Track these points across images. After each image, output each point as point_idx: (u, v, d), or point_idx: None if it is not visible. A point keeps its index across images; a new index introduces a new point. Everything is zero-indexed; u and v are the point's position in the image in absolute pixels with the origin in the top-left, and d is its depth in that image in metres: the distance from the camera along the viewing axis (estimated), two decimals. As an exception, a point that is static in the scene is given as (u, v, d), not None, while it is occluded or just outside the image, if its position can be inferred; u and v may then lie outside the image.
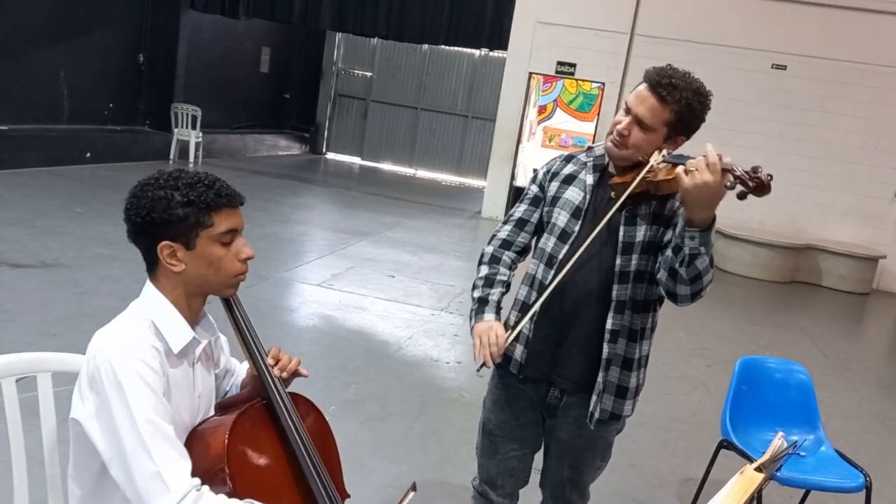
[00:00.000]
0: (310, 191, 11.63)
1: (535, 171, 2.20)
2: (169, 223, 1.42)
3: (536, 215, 2.13)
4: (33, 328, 4.25)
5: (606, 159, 2.05)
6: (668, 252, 1.85)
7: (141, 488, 1.30)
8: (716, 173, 1.67)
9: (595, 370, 2.01)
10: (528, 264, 2.15)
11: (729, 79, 9.63)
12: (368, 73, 16.25)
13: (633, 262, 1.96)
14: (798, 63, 9.58)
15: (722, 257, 9.49)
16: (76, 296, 4.88)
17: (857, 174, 9.65)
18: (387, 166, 16.09)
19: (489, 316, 2.02)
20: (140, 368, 1.36)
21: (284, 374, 1.60)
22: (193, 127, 11.49)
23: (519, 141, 10.74)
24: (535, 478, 2.30)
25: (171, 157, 11.58)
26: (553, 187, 2.09)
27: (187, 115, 11.46)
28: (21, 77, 9.52)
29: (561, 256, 2.00)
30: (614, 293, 1.97)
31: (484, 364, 1.93)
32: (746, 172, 1.68)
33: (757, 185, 1.67)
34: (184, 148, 11.60)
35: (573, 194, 2.04)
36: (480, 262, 2.15)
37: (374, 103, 16.25)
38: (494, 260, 2.13)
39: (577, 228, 2.00)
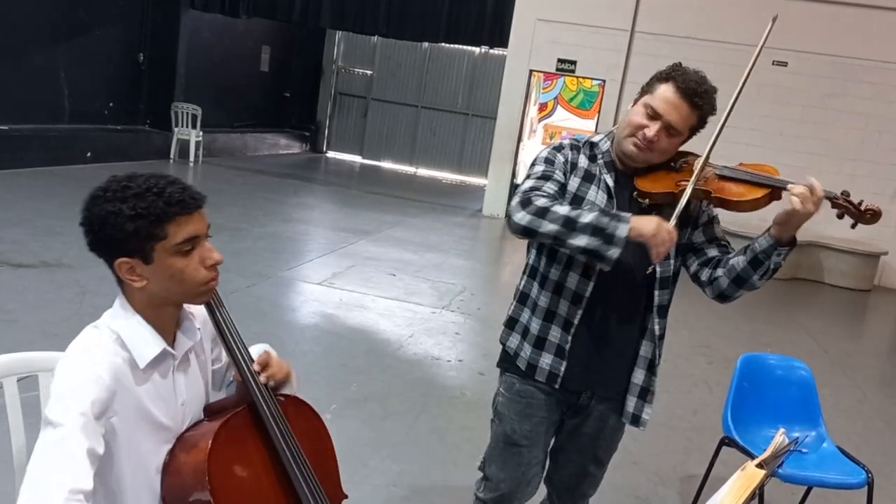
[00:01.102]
0: (310, 190, 11.63)
1: (547, 152, 2.01)
2: (121, 240, 1.35)
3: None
4: (35, 328, 4.25)
5: (613, 155, 2.02)
6: (737, 262, 1.91)
7: (21, 490, 1.24)
8: (819, 201, 1.78)
9: (630, 373, 2.04)
10: (551, 270, 2.00)
11: (729, 76, 9.50)
12: (369, 72, 16.24)
13: (671, 266, 2.00)
14: (799, 59, 9.56)
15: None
16: (77, 296, 4.89)
17: (858, 171, 9.63)
18: (387, 165, 16.08)
19: (627, 214, 1.83)
20: (79, 379, 1.31)
21: (272, 383, 1.54)
22: (194, 126, 11.49)
23: (520, 139, 10.73)
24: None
25: (172, 156, 11.58)
26: (574, 183, 1.98)
27: (188, 114, 11.46)
28: (21, 77, 9.52)
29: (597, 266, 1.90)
30: (657, 298, 1.99)
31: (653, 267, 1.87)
32: (853, 203, 1.85)
33: (862, 214, 1.87)
34: (184, 147, 11.60)
35: (598, 197, 1.96)
36: (545, 210, 1.82)
37: (374, 102, 16.24)
38: (557, 199, 1.88)
39: None
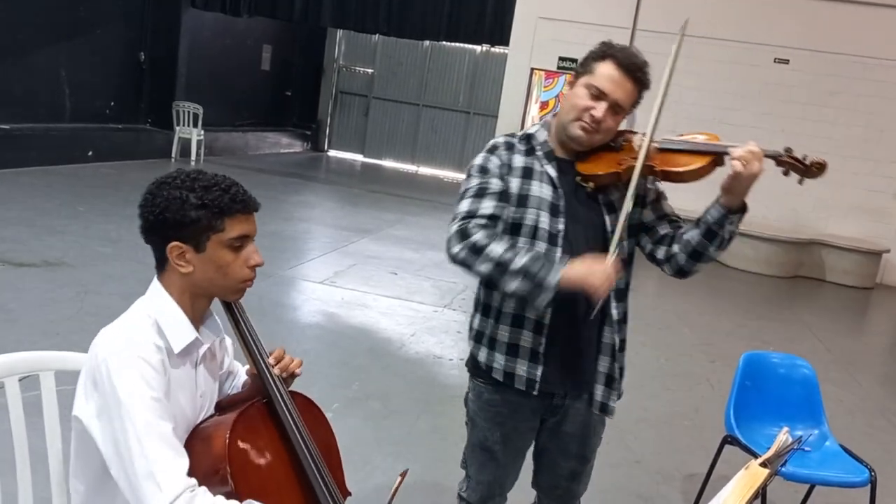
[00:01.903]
0: (312, 188, 11.63)
1: (481, 158, 1.98)
2: (181, 224, 1.42)
3: (506, 213, 1.91)
4: (36, 327, 4.25)
5: (551, 145, 1.98)
6: (691, 237, 1.91)
7: (135, 488, 1.29)
8: (761, 161, 1.78)
9: (596, 362, 2.00)
10: None
11: (731, 73, 9.62)
12: (370, 70, 16.23)
13: (626, 247, 1.98)
14: (801, 57, 9.55)
15: (724, 253, 9.46)
16: (79, 295, 4.89)
17: (861, 169, 9.62)
18: (389, 163, 16.08)
19: (564, 259, 1.82)
20: (140, 367, 1.35)
21: (285, 374, 1.59)
22: (195, 125, 11.48)
23: (521, 137, 10.72)
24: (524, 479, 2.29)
25: (173, 155, 11.58)
26: (515, 184, 1.92)
27: (189, 113, 11.46)
28: (23, 76, 9.52)
29: (557, 261, 1.86)
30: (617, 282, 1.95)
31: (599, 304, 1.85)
32: (795, 158, 1.86)
33: (808, 168, 1.86)
34: (185, 146, 11.59)
35: (543, 191, 1.92)
36: (481, 250, 1.81)
37: (375, 100, 16.24)
38: (498, 236, 1.84)
39: (561, 227, 1.91)
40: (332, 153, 16.61)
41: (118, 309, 1.50)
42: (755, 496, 1.19)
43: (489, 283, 1.92)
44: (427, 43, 15.18)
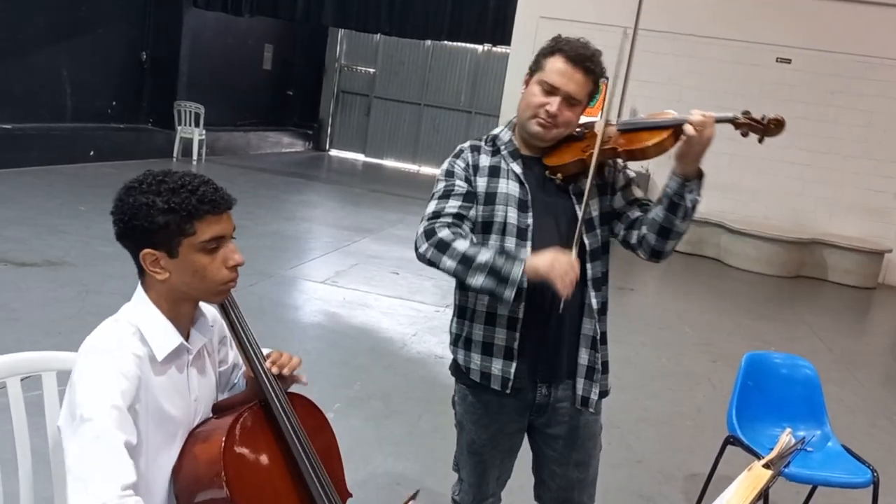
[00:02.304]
0: (313, 188, 11.63)
1: (447, 163, 2.02)
2: (150, 231, 1.38)
3: (474, 213, 1.94)
4: (38, 327, 4.26)
5: (516, 143, 2.01)
6: (656, 214, 1.89)
7: (69, 488, 1.26)
8: (712, 126, 1.80)
9: (576, 354, 1.98)
10: None
11: (732, 73, 9.60)
12: (371, 70, 16.23)
13: (599, 237, 1.98)
14: (803, 57, 9.54)
15: (726, 252, 9.47)
16: (80, 294, 4.89)
17: (862, 168, 9.61)
18: (390, 163, 16.08)
19: (525, 253, 1.86)
20: (108, 375, 1.32)
21: (285, 371, 1.57)
22: (197, 125, 11.49)
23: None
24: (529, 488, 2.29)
25: (175, 155, 11.58)
26: (481, 183, 1.96)
27: (190, 112, 11.46)
28: (24, 76, 9.53)
29: (528, 254, 1.89)
30: (589, 272, 1.95)
31: (566, 298, 1.76)
32: (754, 119, 1.88)
33: (768, 125, 1.88)
34: (187, 146, 11.60)
35: (510, 188, 1.94)
36: (447, 245, 1.83)
37: (377, 100, 16.24)
38: (458, 234, 1.87)
39: (529, 222, 1.93)
40: (334, 153, 16.61)
41: (119, 308, 1.50)
42: (758, 497, 1.19)
43: (459, 283, 1.93)
44: (428, 42, 15.18)
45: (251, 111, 14.76)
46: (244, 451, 1.45)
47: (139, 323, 1.43)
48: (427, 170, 15.68)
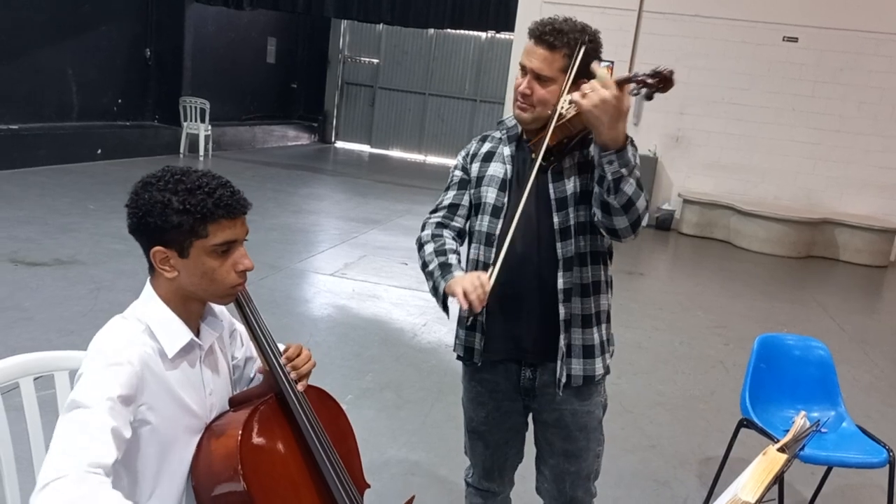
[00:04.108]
0: (320, 180, 11.63)
1: (455, 161, 2.17)
2: (163, 229, 1.38)
3: (466, 198, 2.07)
4: (51, 325, 4.28)
5: (519, 128, 2.03)
6: (595, 187, 1.82)
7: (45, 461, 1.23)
8: (610, 87, 1.65)
9: (557, 336, 1.96)
10: (470, 251, 2.07)
11: (739, 53, 9.52)
12: (375, 60, 16.19)
13: (571, 216, 1.93)
14: (809, 34, 9.44)
15: (736, 234, 9.42)
16: (92, 292, 4.91)
17: (872, 146, 9.53)
18: (396, 153, 16.07)
19: (459, 272, 1.92)
20: (111, 370, 1.32)
21: (299, 380, 1.56)
22: (202, 120, 11.50)
23: (528, 123, 10.68)
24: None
25: (182, 150, 11.61)
26: (475, 168, 2.07)
27: (196, 108, 11.47)
28: (29, 76, 9.56)
29: (498, 231, 1.96)
30: (559, 251, 1.93)
31: (471, 311, 1.77)
32: (646, 74, 1.68)
33: (660, 80, 1.67)
34: (193, 141, 11.62)
35: (496, 169, 2.02)
36: (421, 246, 2.04)
37: (381, 90, 16.21)
38: (436, 236, 2.03)
39: (505, 200, 1.98)
40: (340, 144, 16.61)
41: (131, 304, 1.50)
42: (774, 482, 1.18)
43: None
44: (431, 31, 15.12)
45: (256, 105, 14.76)
46: (261, 444, 1.46)
47: (148, 320, 1.43)
48: (433, 159, 15.66)
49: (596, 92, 1.66)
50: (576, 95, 1.71)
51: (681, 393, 4.41)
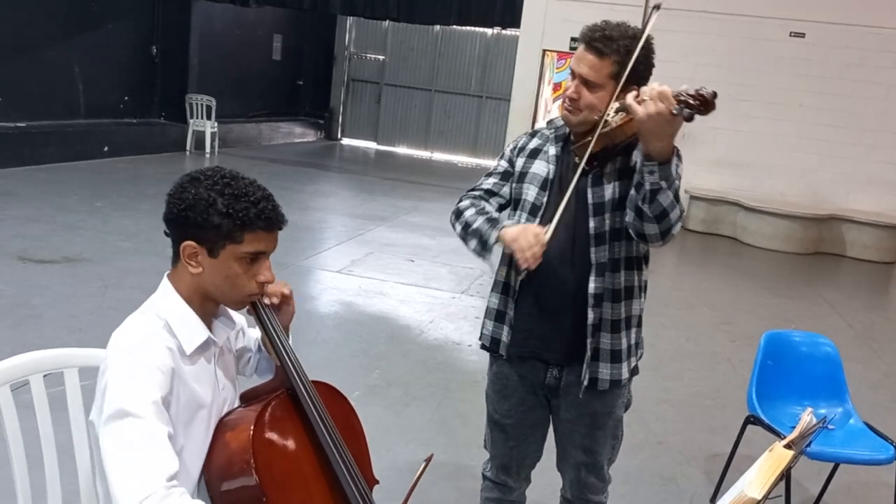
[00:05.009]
0: (326, 177, 11.64)
1: (504, 150, 2.19)
2: (201, 226, 1.41)
3: (506, 189, 2.09)
4: (60, 323, 4.30)
5: (567, 129, 2.03)
6: (632, 191, 1.83)
7: (112, 483, 1.27)
8: (667, 101, 1.65)
9: (585, 342, 1.97)
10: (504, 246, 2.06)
11: (746, 49, 9.48)
12: (381, 57, 16.18)
13: (608, 221, 1.94)
14: (817, 30, 9.40)
15: (743, 230, 9.40)
16: (100, 289, 4.94)
17: (880, 142, 9.48)
18: (402, 150, 16.06)
19: (509, 222, 1.95)
20: (145, 371, 1.34)
21: (275, 300, 1.59)
22: (209, 117, 11.52)
23: (535, 119, 10.65)
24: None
25: (188, 148, 11.63)
26: (520, 163, 2.07)
27: (202, 105, 11.49)
28: (37, 74, 9.59)
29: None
30: (593, 256, 1.93)
31: (527, 269, 1.83)
32: (689, 94, 1.67)
33: (701, 103, 1.66)
34: (200, 139, 11.64)
35: (539, 168, 2.03)
36: (459, 214, 2.05)
37: (387, 87, 16.20)
38: (475, 203, 2.05)
39: (545, 200, 1.98)
40: (346, 141, 16.61)
41: (139, 302, 1.51)
42: (780, 478, 1.18)
43: (464, 243, 2.05)
44: (437, 27, 15.10)
45: (262, 102, 14.78)
46: (273, 438, 1.47)
47: (167, 316, 1.45)
48: (439, 156, 15.65)
49: (653, 102, 1.66)
50: (630, 98, 1.71)
51: (687, 390, 4.41)
